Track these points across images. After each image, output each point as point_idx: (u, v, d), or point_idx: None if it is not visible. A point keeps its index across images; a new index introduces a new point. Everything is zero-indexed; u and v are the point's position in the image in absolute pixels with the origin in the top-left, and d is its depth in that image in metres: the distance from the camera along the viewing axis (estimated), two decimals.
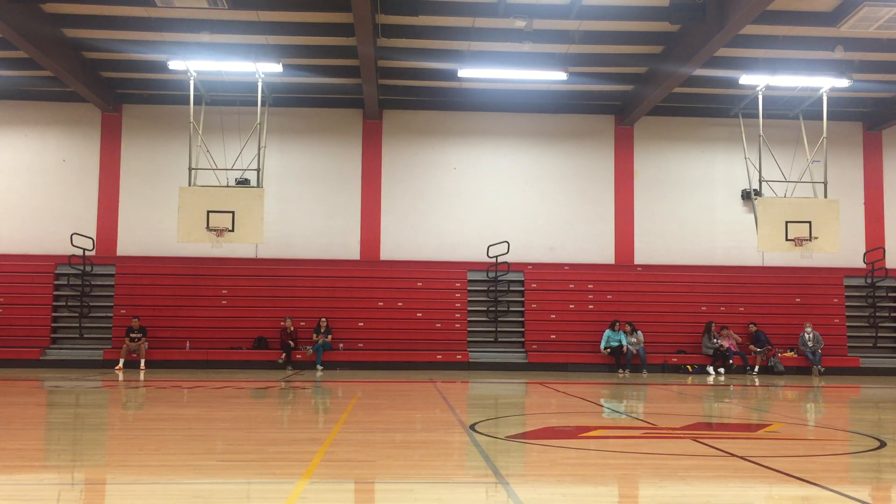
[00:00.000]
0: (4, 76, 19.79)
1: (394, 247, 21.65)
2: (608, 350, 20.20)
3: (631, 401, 13.27)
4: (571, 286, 21.35)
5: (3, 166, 21.26)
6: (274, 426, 9.34)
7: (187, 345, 19.95)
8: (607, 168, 22.19)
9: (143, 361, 19.18)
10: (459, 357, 20.36)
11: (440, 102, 21.70)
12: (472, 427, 8.57)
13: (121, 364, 18.91)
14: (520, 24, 16.24)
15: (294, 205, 21.44)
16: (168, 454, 6.93)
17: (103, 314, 20.56)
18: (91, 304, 20.56)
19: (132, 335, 19.39)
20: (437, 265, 21.43)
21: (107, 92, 20.67)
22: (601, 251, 21.97)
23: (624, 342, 20.10)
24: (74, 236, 20.05)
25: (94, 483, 5.87)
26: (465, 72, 18.56)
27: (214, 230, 17.05)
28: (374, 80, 18.52)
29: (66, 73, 18.00)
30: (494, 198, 21.97)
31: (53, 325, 20.53)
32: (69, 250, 20.18)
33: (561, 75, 18.69)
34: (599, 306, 21.07)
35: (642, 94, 19.99)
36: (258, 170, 17.89)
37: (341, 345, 20.32)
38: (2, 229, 20.99)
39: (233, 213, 17.12)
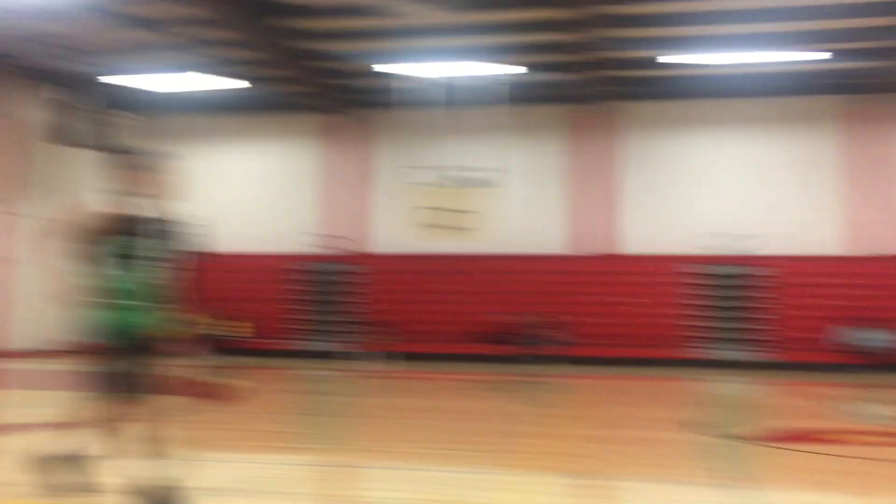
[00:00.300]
0: (264, 91, 21.73)
1: (622, 240, 21.39)
2: (861, 348, 18.72)
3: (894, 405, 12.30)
4: (816, 280, 19.94)
5: (259, 173, 23.28)
6: (508, 419, 9.69)
7: (430, 339, 20.94)
8: (853, 152, 20.54)
9: (390, 354, 20.32)
10: (690, 354, 19.74)
11: (670, 91, 21.08)
12: (705, 427, 8.42)
13: (371, 357, 20.19)
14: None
15: (530, 201, 21.73)
16: (413, 442, 7.48)
17: (356, 309, 22.08)
18: (344, 299, 22.19)
19: (381, 329, 20.64)
20: (665, 259, 20.88)
21: (352, 101, 22.18)
22: (846, 242, 20.30)
23: (880, 340, 18.54)
24: (327, 237, 21.76)
25: (348, 466, 6.48)
26: (692, 57, 17.90)
27: (451, 228, 17.84)
28: (600, 71, 18.39)
29: (312, 85, 19.59)
30: (728, 188, 21.02)
31: (309, 318, 22.30)
32: (319, 250, 21.93)
33: (811, 55, 17.47)
34: (848, 301, 19.50)
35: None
36: (492, 169, 18.40)
37: (570, 340, 20.40)
38: (257, 230, 23.02)
39: (468, 211, 17.84)
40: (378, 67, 19.85)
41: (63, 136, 20.62)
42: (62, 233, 4.49)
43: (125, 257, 4.54)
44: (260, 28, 17.07)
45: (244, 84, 20.20)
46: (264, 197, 23.24)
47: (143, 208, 4.65)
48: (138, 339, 4.58)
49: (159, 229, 4.69)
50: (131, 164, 4.65)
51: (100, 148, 21.35)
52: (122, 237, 4.52)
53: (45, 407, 9.85)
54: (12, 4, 15.76)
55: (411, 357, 20.06)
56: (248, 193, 23.11)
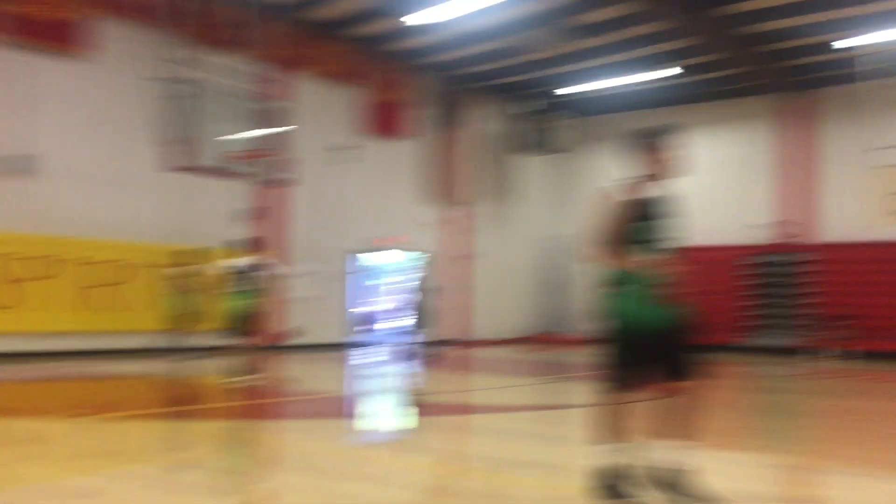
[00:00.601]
0: (698, 81, 21.26)
1: None
2: None
3: None
4: None
5: (705, 163, 22.66)
6: None
7: None
8: None
9: (848, 352, 18.69)
10: None
11: None
12: None
13: (826, 354, 18.73)
14: None
15: None
16: (877, 449, 6.76)
17: (808, 302, 20.57)
18: (793, 291, 20.81)
19: (837, 324, 19.02)
20: None
21: (799, 80, 20.69)
22: None
23: None
24: (770, 225, 20.65)
25: (804, 469, 6.07)
26: None
27: None
28: None
29: (752, 67, 18.83)
30: None
31: (753, 312, 21.33)
32: (764, 240, 20.86)
33: None
34: None
35: None
36: None
37: None
38: (706, 223, 22.40)
39: None
40: (826, 41, 18.32)
41: (520, 144, 22.52)
42: (593, 227, 4.44)
43: (646, 242, 4.44)
44: (697, 15, 16.78)
45: (681, 74, 20.12)
46: (710, 187, 22.67)
47: (656, 190, 4.52)
48: (663, 327, 4.44)
49: (667, 211, 4.56)
50: (650, 146, 4.53)
51: (552, 152, 22.89)
52: (644, 222, 4.43)
53: (523, 391, 10.83)
54: (473, 28, 17.60)
55: (872, 355, 18.27)
56: (692, 185, 22.76)
